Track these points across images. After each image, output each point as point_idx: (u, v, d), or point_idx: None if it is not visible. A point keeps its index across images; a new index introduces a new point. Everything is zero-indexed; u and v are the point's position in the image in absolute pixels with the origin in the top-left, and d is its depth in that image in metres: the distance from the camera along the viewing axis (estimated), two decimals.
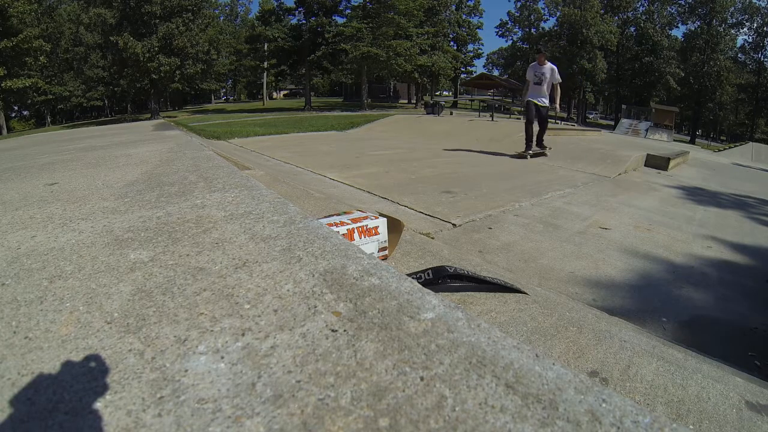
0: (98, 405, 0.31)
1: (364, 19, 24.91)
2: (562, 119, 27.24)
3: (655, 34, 33.24)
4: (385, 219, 0.93)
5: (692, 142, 29.87)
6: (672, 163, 5.85)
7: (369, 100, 27.55)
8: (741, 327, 1.54)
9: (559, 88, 5.26)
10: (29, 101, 25.53)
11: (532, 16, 40.52)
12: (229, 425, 0.29)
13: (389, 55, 23.96)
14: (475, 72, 41.81)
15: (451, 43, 35.04)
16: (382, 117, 11.45)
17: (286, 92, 59.52)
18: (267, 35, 28.00)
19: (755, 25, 34.67)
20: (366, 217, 1.25)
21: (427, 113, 16.51)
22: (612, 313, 1.31)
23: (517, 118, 16.24)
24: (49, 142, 3.11)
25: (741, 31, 35.87)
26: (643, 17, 34.74)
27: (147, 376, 0.34)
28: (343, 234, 1.01)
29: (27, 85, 21.41)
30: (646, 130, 21.47)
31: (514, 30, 42.02)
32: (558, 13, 36.32)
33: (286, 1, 29.99)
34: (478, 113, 15.44)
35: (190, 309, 0.44)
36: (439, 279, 1.19)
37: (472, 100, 34.35)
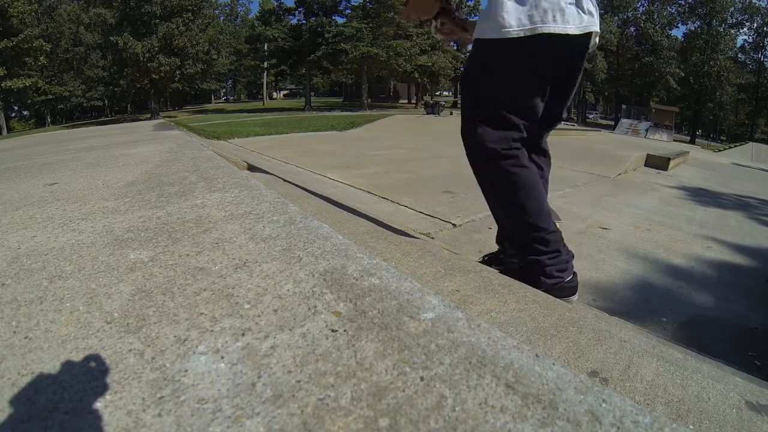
0: (98, 405, 0.31)
1: (364, 19, 24.91)
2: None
3: (655, 34, 33.22)
4: None
5: (692, 142, 29.85)
6: (672, 163, 5.85)
7: (369, 100, 27.56)
8: (741, 327, 1.54)
9: None
10: (29, 101, 25.53)
11: None
12: (229, 425, 0.29)
13: (389, 55, 23.96)
14: None
15: (452, 43, 35.02)
16: (382, 117, 11.44)
17: (286, 92, 59.44)
18: (267, 35, 27.99)
19: (755, 25, 34.66)
20: None
21: (427, 113, 16.52)
22: (612, 313, 1.31)
23: None
24: (49, 142, 3.11)
25: (741, 31, 35.87)
26: (643, 17, 34.71)
27: (147, 376, 0.34)
28: None
29: (27, 85, 21.39)
30: (646, 130, 21.46)
31: None
32: None
33: (286, 1, 30.01)
34: None
35: (190, 309, 0.44)
36: None
37: None
